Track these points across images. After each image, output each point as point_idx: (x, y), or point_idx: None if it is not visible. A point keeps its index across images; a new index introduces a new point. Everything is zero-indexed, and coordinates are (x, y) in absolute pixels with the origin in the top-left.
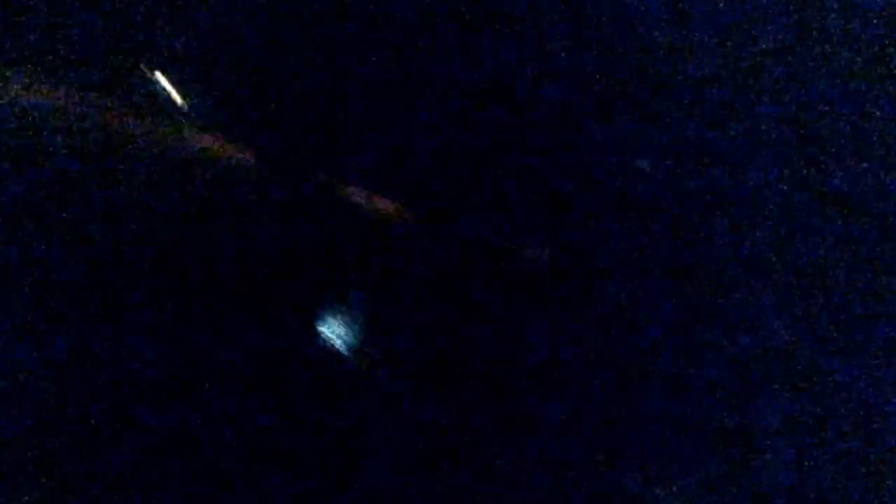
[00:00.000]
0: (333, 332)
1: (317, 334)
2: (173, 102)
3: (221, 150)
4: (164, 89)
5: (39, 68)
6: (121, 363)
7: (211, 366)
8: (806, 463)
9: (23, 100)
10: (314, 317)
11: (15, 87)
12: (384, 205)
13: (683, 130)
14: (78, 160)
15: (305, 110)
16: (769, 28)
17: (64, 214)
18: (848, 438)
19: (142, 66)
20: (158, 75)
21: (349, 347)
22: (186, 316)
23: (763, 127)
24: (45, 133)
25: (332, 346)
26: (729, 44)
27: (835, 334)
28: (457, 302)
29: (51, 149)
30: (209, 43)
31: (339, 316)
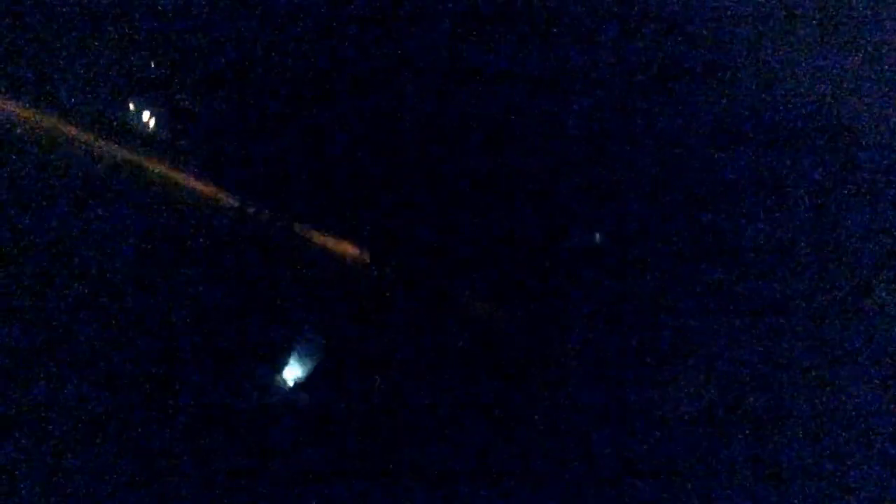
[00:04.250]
0: (289, 371)
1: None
2: (158, 136)
3: (202, 189)
4: (148, 123)
5: (41, 97)
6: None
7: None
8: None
9: (23, 128)
10: (275, 356)
11: (17, 113)
12: (352, 250)
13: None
14: (68, 185)
15: (287, 161)
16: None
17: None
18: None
19: (132, 104)
20: (147, 114)
21: (298, 386)
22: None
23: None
24: (39, 156)
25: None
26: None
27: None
28: (417, 350)
29: (43, 169)
30: (200, 89)
31: (295, 357)
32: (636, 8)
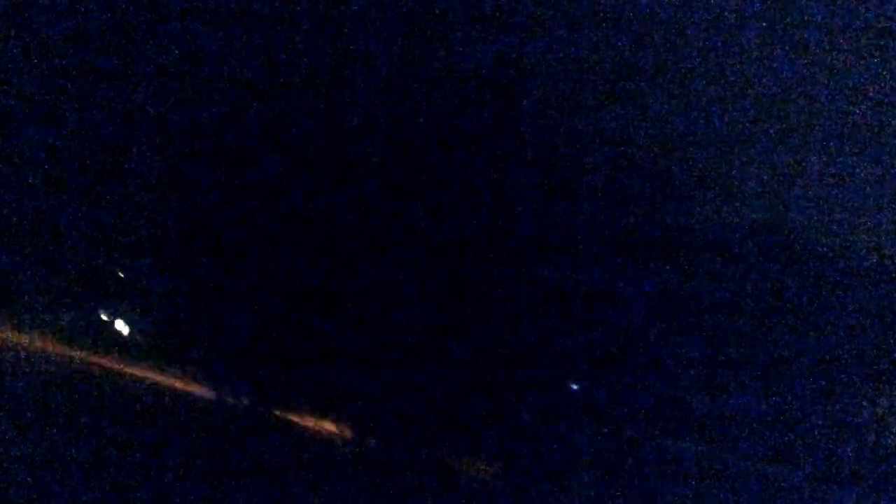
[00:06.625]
0: None
1: None
2: (132, 341)
3: (176, 383)
4: (122, 331)
5: (15, 314)
6: None
7: None
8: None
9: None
10: None
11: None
12: (332, 428)
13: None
14: (47, 395)
15: (256, 345)
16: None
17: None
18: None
19: (101, 313)
20: (119, 322)
21: None
22: None
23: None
24: (18, 373)
25: None
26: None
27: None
28: None
29: (23, 385)
30: (163, 289)
31: None
32: None
